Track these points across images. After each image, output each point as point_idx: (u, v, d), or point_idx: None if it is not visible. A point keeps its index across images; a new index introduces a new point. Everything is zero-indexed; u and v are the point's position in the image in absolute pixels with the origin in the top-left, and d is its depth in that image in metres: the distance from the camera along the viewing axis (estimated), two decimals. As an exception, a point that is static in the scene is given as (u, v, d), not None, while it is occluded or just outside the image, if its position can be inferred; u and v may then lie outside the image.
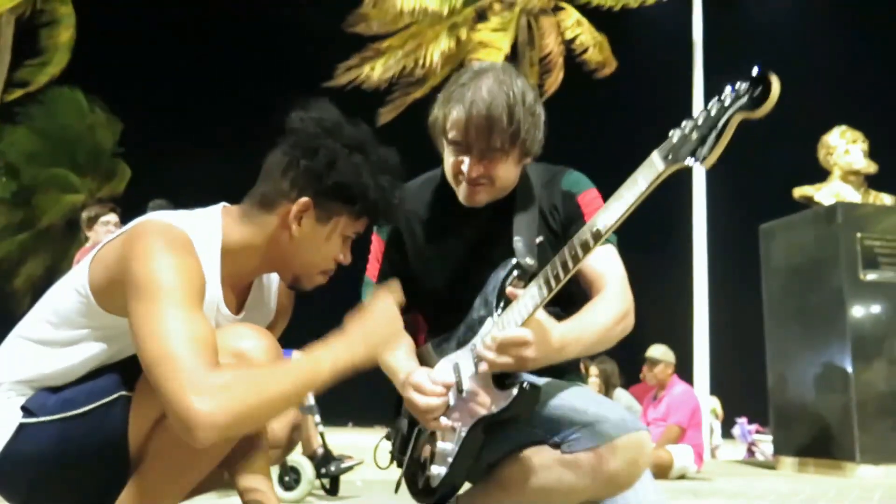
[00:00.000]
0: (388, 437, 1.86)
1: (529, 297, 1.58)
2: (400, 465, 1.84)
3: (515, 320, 1.60)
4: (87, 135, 20.11)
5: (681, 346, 7.82)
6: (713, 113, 1.33)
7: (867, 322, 6.92)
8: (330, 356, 1.42)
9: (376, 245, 1.93)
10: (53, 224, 19.92)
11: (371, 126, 1.63)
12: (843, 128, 7.70)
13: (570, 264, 1.52)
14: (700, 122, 1.35)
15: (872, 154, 7.59)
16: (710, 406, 13.07)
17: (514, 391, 1.58)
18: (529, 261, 1.71)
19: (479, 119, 1.67)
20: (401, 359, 1.77)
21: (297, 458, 3.75)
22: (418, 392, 1.65)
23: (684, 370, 8.16)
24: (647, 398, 6.99)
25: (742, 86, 1.31)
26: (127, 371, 1.49)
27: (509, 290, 1.65)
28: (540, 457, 1.64)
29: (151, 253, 1.39)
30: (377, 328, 1.51)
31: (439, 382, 1.66)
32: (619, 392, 7.43)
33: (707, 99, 12.49)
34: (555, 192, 1.85)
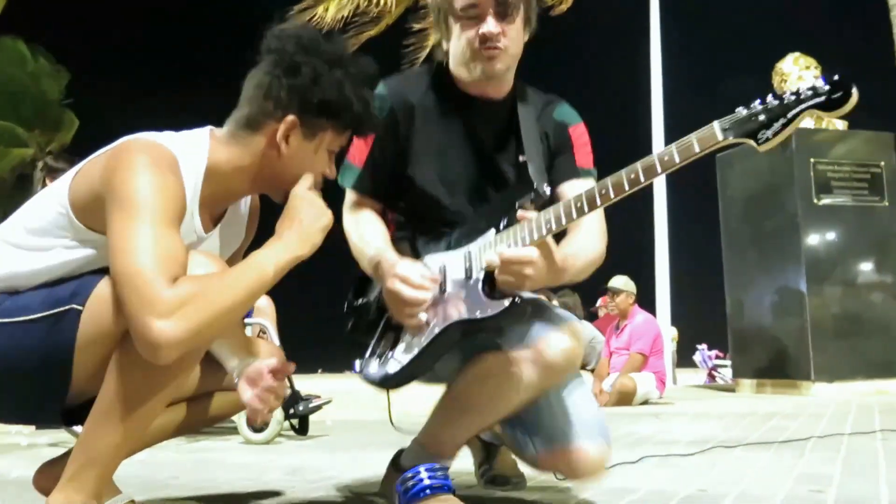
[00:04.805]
0: (352, 311, 1.86)
1: (544, 223, 1.60)
2: (358, 347, 1.84)
3: (523, 238, 1.62)
4: (32, 86, 19.45)
5: (641, 277, 7.94)
6: (787, 102, 1.39)
7: (821, 246, 7.09)
8: (271, 257, 1.47)
9: None
10: (2, 178, 19.38)
11: None
12: (797, 54, 7.76)
13: (599, 202, 1.55)
14: (770, 106, 1.41)
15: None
16: (671, 335, 13.39)
17: (506, 302, 1.61)
18: (547, 189, 1.74)
19: None
20: (380, 246, 1.77)
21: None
22: (404, 284, 1.65)
23: (645, 301, 8.30)
24: (609, 328, 7.13)
25: (822, 86, 1.37)
26: (83, 284, 1.48)
27: (521, 213, 1.66)
28: (485, 363, 1.71)
29: (135, 168, 1.41)
30: (305, 219, 1.53)
31: (427, 277, 1.67)
32: (583, 324, 7.56)
33: (664, 42, 12.50)
34: (547, 118, 1.90)
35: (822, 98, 1.37)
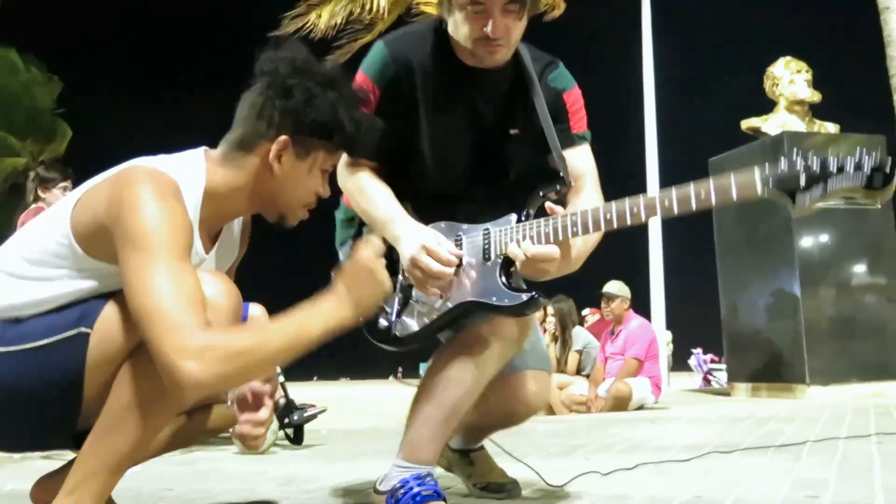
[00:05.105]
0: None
1: (570, 225, 1.65)
2: None
3: (547, 234, 1.67)
4: (24, 95, 19.43)
5: (636, 281, 7.96)
6: (830, 169, 1.42)
7: (815, 249, 7.11)
8: (319, 319, 1.45)
9: (367, 89, 1.81)
10: (-5, 188, 19.35)
11: None
12: (788, 58, 7.78)
13: (629, 220, 1.59)
14: (814, 168, 1.43)
15: (816, 84, 7.70)
16: (666, 339, 13.38)
17: (525, 297, 1.68)
18: (572, 180, 1.80)
19: None
20: (393, 209, 1.79)
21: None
22: (432, 257, 1.69)
23: (640, 306, 8.31)
24: (604, 333, 7.12)
25: (867, 162, 1.39)
26: (89, 307, 1.47)
27: (550, 206, 1.72)
28: (447, 349, 1.78)
29: (142, 201, 1.41)
30: (366, 287, 1.53)
31: (454, 253, 1.71)
32: (578, 330, 7.55)
33: (655, 48, 12.53)
34: (544, 87, 1.90)
35: (862, 179, 1.40)
